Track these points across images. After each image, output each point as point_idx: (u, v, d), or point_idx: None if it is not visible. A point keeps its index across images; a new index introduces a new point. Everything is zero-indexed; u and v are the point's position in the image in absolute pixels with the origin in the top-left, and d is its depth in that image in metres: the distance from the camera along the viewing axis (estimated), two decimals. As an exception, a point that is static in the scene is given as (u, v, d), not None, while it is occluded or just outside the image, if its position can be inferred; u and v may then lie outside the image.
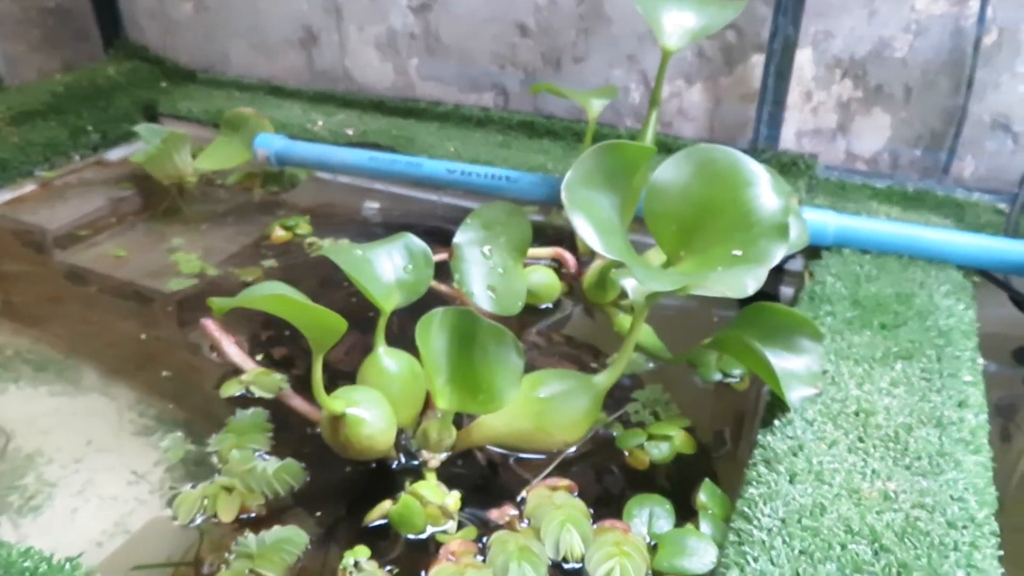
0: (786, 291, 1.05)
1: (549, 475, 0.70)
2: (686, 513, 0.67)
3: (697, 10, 0.82)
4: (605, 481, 0.72)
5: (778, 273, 1.07)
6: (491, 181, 1.12)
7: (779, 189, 0.70)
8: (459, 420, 0.72)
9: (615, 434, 0.77)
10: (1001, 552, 0.56)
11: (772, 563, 0.54)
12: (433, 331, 0.65)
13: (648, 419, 0.79)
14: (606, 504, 0.68)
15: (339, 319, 0.57)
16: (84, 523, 0.69)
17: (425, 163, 1.18)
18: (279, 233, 1.17)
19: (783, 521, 0.57)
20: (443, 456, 0.70)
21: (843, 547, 0.55)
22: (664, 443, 0.75)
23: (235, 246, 1.16)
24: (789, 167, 1.16)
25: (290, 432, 0.77)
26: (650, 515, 0.65)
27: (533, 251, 0.98)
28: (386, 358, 0.69)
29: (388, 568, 0.62)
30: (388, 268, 0.73)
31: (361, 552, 0.63)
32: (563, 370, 0.72)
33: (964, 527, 0.57)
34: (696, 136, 1.28)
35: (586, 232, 0.63)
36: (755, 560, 0.54)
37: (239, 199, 1.33)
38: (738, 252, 0.67)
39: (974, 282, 0.99)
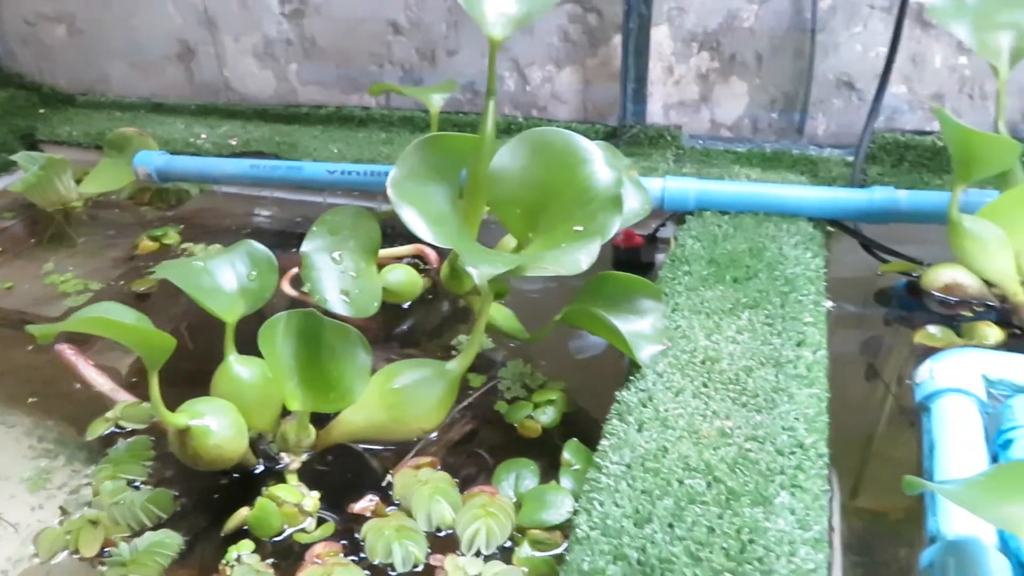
0: (661, 258, 1.10)
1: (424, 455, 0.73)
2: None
3: (519, -4, 0.85)
4: (504, 456, 0.74)
5: (653, 242, 1.12)
6: (371, 178, 1.14)
7: (613, 163, 0.74)
8: (322, 419, 0.74)
9: (502, 412, 0.80)
10: (824, 472, 0.61)
11: (616, 505, 0.58)
12: (278, 336, 0.67)
13: (520, 392, 0.82)
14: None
15: (166, 337, 0.58)
16: (-12, 552, 0.69)
17: (306, 166, 1.19)
18: (146, 243, 1.18)
19: (628, 466, 0.61)
20: (304, 457, 0.72)
21: (680, 483, 0.59)
22: (549, 407, 0.79)
23: (113, 263, 1.16)
24: (656, 140, 1.22)
25: (171, 456, 0.75)
26: (516, 477, 0.69)
27: (394, 250, 1.00)
28: (237, 366, 0.70)
29: (269, 561, 0.65)
30: (230, 277, 0.74)
31: (245, 546, 0.65)
32: (417, 360, 0.75)
33: (791, 453, 0.62)
34: (570, 118, 1.33)
35: (415, 223, 0.66)
36: (601, 504, 0.58)
37: (127, 219, 1.33)
38: (579, 228, 0.71)
39: (828, 232, 1.06)
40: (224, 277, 0.73)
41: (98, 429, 0.81)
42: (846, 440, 0.75)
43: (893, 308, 0.97)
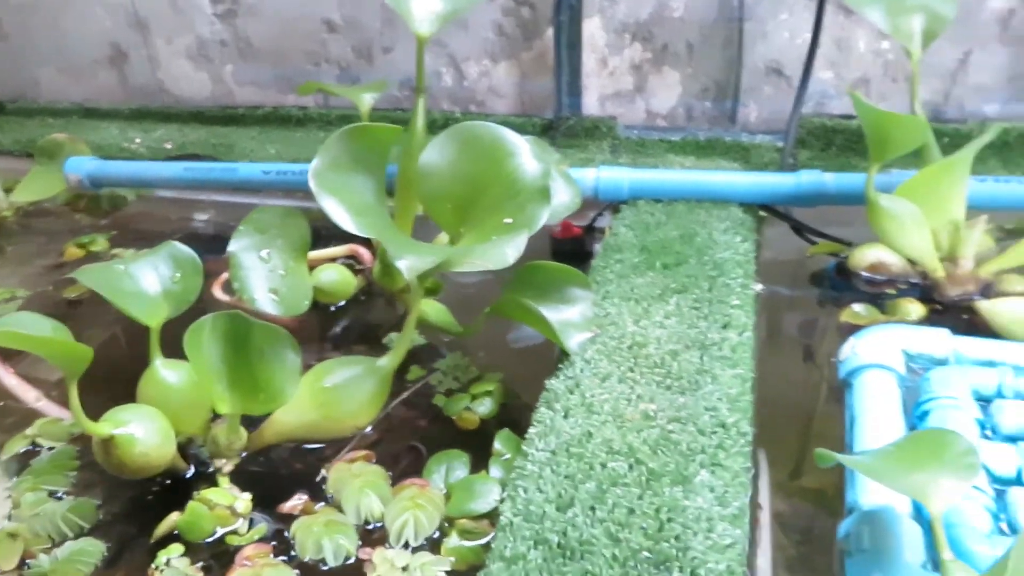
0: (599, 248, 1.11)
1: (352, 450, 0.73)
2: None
3: (445, -6, 0.86)
4: (442, 448, 0.74)
5: (591, 232, 1.13)
6: (306, 177, 1.13)
7: (540, 156, 0.74)
8: (255, 421, 0.73)
9: (440, 405, 0.81)
10: (747, 450, 0.62)
11: (539, 491, 0.58)
12: (204, 339, 0.66)
13: (458, 384, 0.83)
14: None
15: (81, 347, 0.57)
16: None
17: (241, 167, 1.18)
18: (73, 251, 1.17)
19: (553, 452, 0.62)
20: (236, 460, 0.72)
21: (603, 466, 0.60)
22: (487, 399, 0.79)
23: (43, 271, 1.14)
24: (592, 131, 1.23)
25: (97, 465, 0.72)
26: (447, 468, 0.69)
27: (327, 251, 0.99)
28: (164, 370, 0.69)
29: (199, 564, 0.64)
30: (152, 280, 0.72)
31: (174, 550, 0.64)
32: (348, 357, 0.74)
33: (713, 432, 0.63)
34: (509, 111, 1.33)
35: (337, 213, 0.65)
36: (525, 491, 0.59)
37: (60, 226, 1.30)
38: (509, 220, 0.71)
39: (761, 217, 1.07)
40: (146, 280, 0.72)
41: (15, 447, 0.78)
42: (782, 420, 0.77)
43: (825, 289, 1.00)
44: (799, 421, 0.78)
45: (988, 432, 0.68)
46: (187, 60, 1.47)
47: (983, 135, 0.84)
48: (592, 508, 0.56)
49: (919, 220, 0.82)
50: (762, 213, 1.08)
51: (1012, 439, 0.65)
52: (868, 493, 0.60)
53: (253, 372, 0.67)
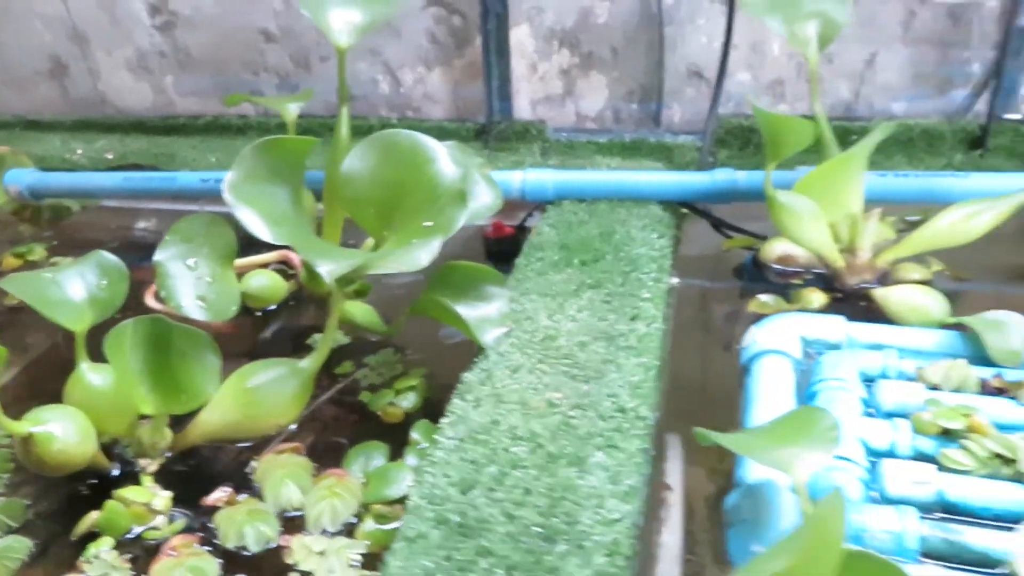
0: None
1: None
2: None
3: (362, 6, 0.89)
4: (367, 441, 0.77)
5: (524, 232, 1.17)
6: (243, 185, 1.16)
7: (459, 160, 0.78)
8: (184, 422, 0.76)
9: (365, 401, 0.84)
10: (645, 432, 0.67)
11: (445, 475, 0.62)
12: (127, 343, 0.69)
13: (383, 380, 0.86)
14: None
15: None
16: None
17: (179, 176, 1.21)
18: (10, 260, 1.19)
19: (461, 440, 0.66)
20: (162, 459, 0.74)
21: (506, 451, 0.64)
22: (411, 393, 0.83)
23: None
24: (523, 134, 1.27)
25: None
26: (366, 458, 0.73)
27: (259, 257, 1.02)
28: (90, 373, 0.71)
29: (127, 556, 0.67)
30: (79, 288, 0.75)
31: (104, 543, 0.67)
32: (271, 359, 0.77)
33: (612, 417, 0.67)
34: (444, 117, 1.37)
35: (253, 224, 0.69)
36: (432, 476, 0.62)
37: (1, 236, 1.31)
38: (429, 223, 0.75)
39: (682, 214, 1.12)
40: (72, 288, 0.75)
41: None
42: (699, 406, 0.82)
43: (744, 281, 1.04)
44: (716, 406, 0.83)
45: (871, 410, 0.73)
46: (127, 71, 1.49)
47: (874, 132, 0.90)
48: (492, 489, 0.60)
49: (816, 214, 0.87)
50: (684, 211, 1.13)
51: (890, 415, 0.71)
52: (753, 469, 0.65)
53: (174, 374, 0.71)
